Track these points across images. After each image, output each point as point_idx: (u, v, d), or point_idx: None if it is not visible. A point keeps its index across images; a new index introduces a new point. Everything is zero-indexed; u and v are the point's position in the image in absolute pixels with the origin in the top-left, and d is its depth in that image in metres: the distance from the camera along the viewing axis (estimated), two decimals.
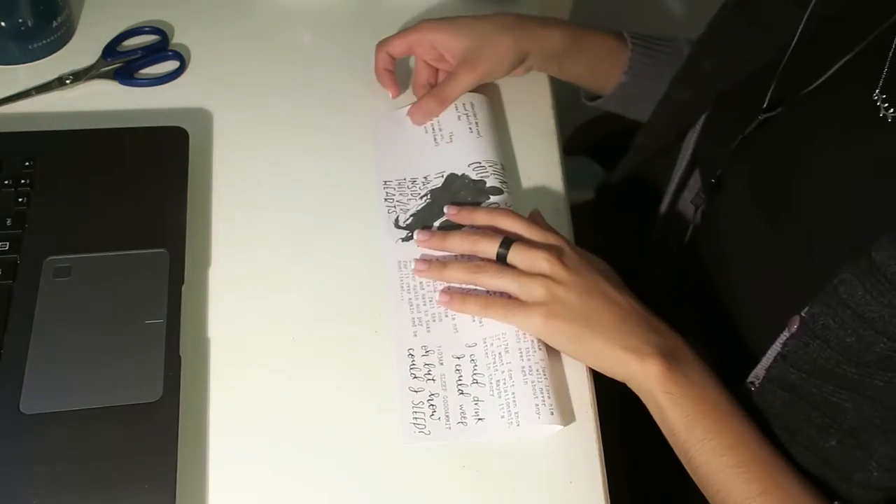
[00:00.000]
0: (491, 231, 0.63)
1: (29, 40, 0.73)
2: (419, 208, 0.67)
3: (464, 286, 0.62)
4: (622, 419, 0.63)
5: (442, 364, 0.60)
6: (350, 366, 0.60)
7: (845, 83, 0.58)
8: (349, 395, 0.58)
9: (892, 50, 0.53)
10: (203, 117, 0.72)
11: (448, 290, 0.62)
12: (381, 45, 0.73)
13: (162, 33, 0.77)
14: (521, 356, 0.59)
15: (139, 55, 0.75)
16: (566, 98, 0.80)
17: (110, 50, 0.75)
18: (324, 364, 0.60)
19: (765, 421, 0.56)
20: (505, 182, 0.69)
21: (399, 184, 0.69)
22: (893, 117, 0.52)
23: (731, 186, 0.65)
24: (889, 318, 0.47)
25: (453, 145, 0.70)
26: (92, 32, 0.76)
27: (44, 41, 0.73)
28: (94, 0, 0.79)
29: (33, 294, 0.58)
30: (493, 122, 0.73)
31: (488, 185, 0.68)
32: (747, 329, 0.60)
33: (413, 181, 0.69)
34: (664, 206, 0.76)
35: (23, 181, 0.63)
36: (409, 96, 0.75)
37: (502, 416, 0.57)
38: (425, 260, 0.63)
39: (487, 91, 0.75)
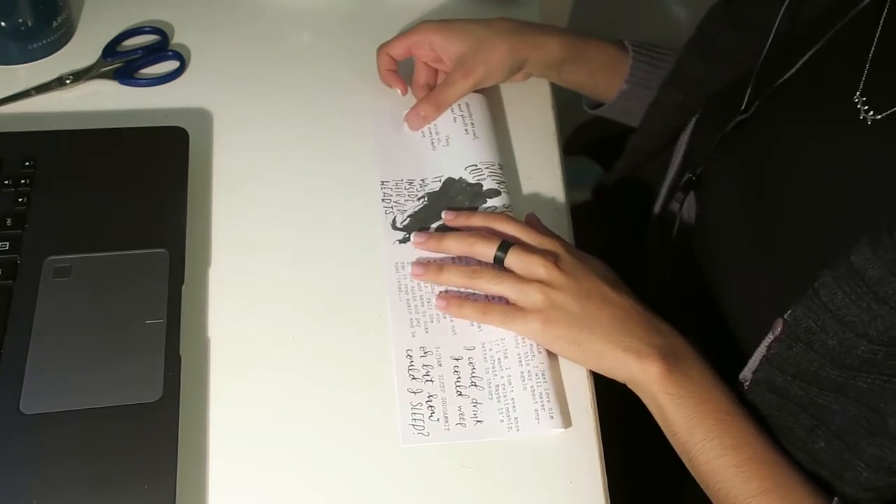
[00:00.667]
0: (488, 234, 0.63)
1: (29, 40, 0.73)
2: (416, 209, 0.68)
3: (461, 290, 0.62)
4: (622, 419, 0.63)
5: (440, 365, 0.60)
6: (350, 366, 0.60)
7: (824, 83, 0.58)
8: (349, 395, 0.58)
9: (872, 53, 0.53)
10: (203, 117, 0.72)
11: (445, 295, 0.62)
12: (382, 47, 0.73)
13: (162, 33, 0.77)
14: (521, 362, 0.59)
15: (139, 55, 0.75)
16: (566, 98, 0.80)
17: (110, 50, 0.75)
18: (323, 364, 0.60)
19: (759, 420, 0.56)
20: (503, 183, 0.69)
21: (396, 184, 0.69)
22: (873, 119, 0.52)
23: (717, 186, 0.66)
24: (868, 321, 0.48)
25: (450, 149, 0.70)
26: (92, 32, 0.76)
27: (44, 41, 0.73)
28: (94, 0, 0.79)
29: (33, 294, 0.58)
30: (490, 122, 0.73)
31: (485, 188, 0.68)
32: (735, 330, 0.60)
33: (410, 182, 0.69)
34: (657, 208, 0.76)
35: (23, 181, 0.63)
36: (411, 97, 0.75)
37: (501, 420, 0.57)
38: (422, 263, 0.63)
39: (487, 91, 0.75)
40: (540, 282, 0.59)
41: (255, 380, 0.58)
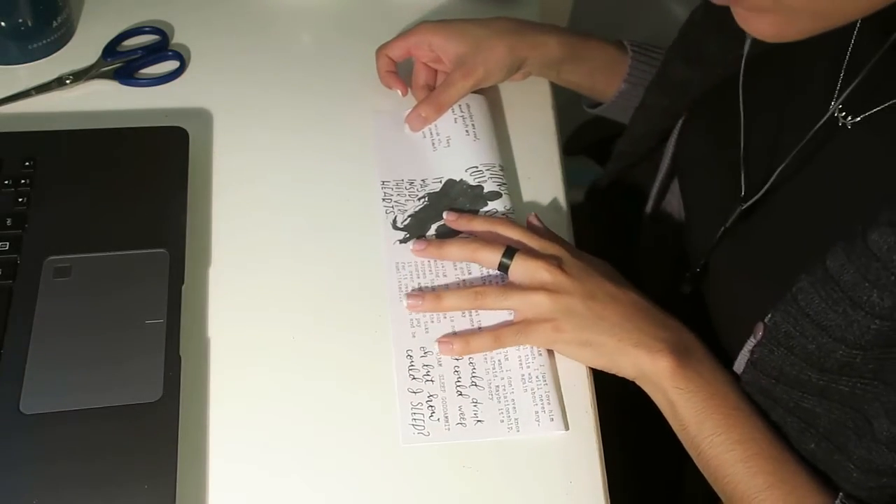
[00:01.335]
0: (490, 239, 0.63)
1: (29, 40, 0.73)
2: (417, 209, 0.68)
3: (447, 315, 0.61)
4: (622, 419, 0.63)
5: (441, 365, 0.60)
6: (350, 366, 0.60)
7: (802, 90, 0.58)
8: (349, 395, 0.58)
9: (847, 58, 0.53)
10: (203, 117, 0.72)
11: (446, 339, 0.60)
12: (381, 49, 0.73)
13: (162, 33, 0.77)
14: (521, 364, 0.60)
15: (139, 55, 0.75)
16: (566, 98, 0.80)
17: (110, 50, 0.75)
18: (324, 364, 0.60)
19: None
20: (504, 184, 0.69)
21: (397, 184, 0.69)
22: (852, 123, 0.52)
23: (699, 188, 0.66)
24: (845, 326, 0.48)
25: (451, 150, 0.70)
26: (92, 32, 0.76)
27: (44, 41, 0.73)
28: (94, 0, 0.79)
29: (33, 294, 0.58)
30: (491, 123, 0.73)
31: (486, 190, 0.68)
32: (721, 331, 0.60)
33: (411, 182, 0.69)
34: (648, 209, 0.77)
35: (23, 181, 0.63)
36: (411, 97, 0.75)
37: (501, 421, 0.57)
38: (417, 294, 0.62)
39: (487, 91, 0.75)
40: (545, 288, 0.59)
41: (256, 380, 0.58)
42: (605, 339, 0.57)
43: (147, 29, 0.77)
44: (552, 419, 0.58)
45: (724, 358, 0.59)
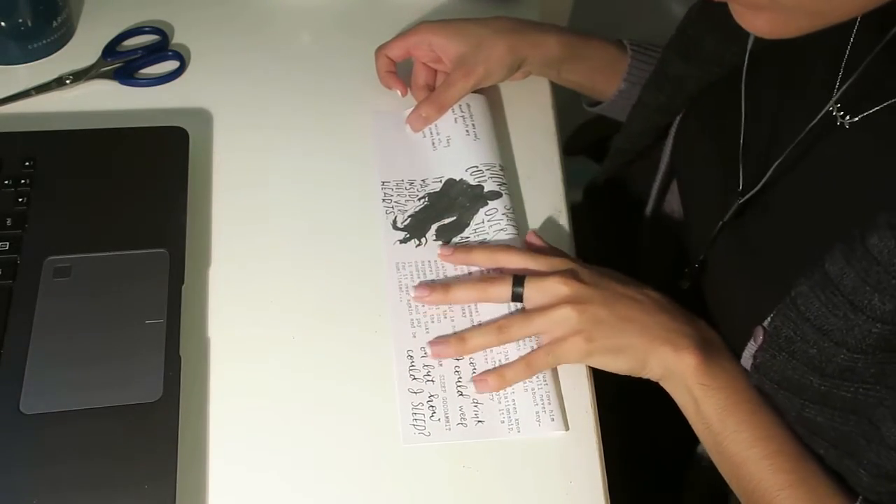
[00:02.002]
0: (496, 272, 0.62)
1: (29, 40, 0.73)
2: (417, 209, 0.68)
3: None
4: (622, 420, 0.63)
5: (441, 365, 0.59)
6: (350, 366, 0.60)
7: (801, 94, 0.58)
8: (349, 395, 0.58)
9: (845, 59, 0.53)
10: (203, 117, 0.72)
11: (481, 377, 0.58)
12: (381, 49, 0.73)
13: (162, 33, 0.77)
14: None
15: (139, 55, 0.75)
16: (566, 98, 0.80)
17: (110, 50, 0.75)
18: (324, 364, 0.60)
19: None
20: (504, 184, 0.69)
21: (397, 185, 0.69)
22: (850, 122, 0.52)
23: (697, 187, 0.66)
24: (846, 330, 0.47)
25: (451, 149, 0.70)
26: (92, 32, 0.76)
27: (44, 41, 0.73)
28: (94, 0, 0.79)
29: (33, 294, 0.58)
30: (491, 123, 0.73)
31: (486, 189, 0.68)
32: (725, 337, 0.60)
33: (411, 182, 0.69)
34: (649, 209, 0.77)
35: (23, 181, 0.63)
36: (411, 97, 0.75)
37: (502, 421, 0.57)
38: (442, 340, 0.60)
39: (487, 91, 0.75)
40: (567, 301, 0.58)
41: (256, 380, 0.58)
42: (635, 341, 0.57)
43: (147, 29, 0.77)
44: (552, 419, 0.58)
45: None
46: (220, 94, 0.74)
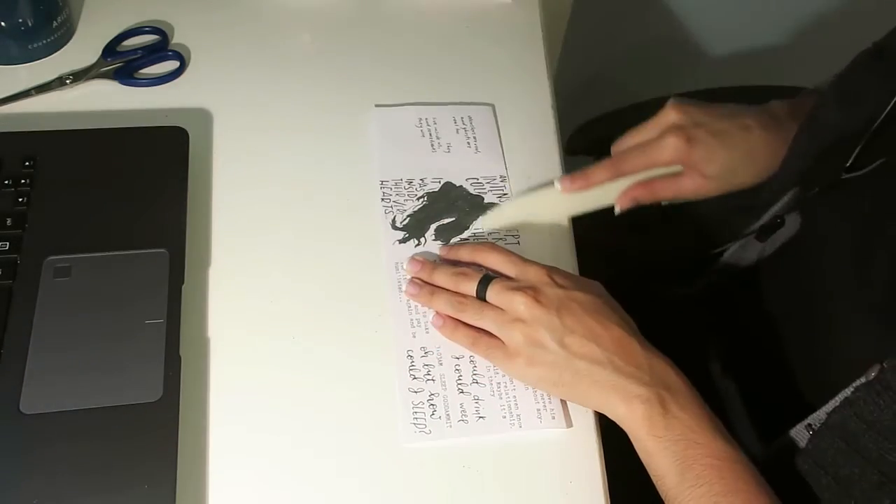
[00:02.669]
0: (475, 267, 0.62)
1: (29, 40, 0.73)
2: (416, 209, 0.68)
3: None
4: None
5: (441, 364, 0.60)
6: (350, 365, 0.60)
7: None
8: (349, 395, 0.58)
9: None
10: (203, 117, 0.72)
11: (444, 315, 0.61)
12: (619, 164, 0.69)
13: (162, 33, 0.77)
14: None
15: (139, 55, 0.75)
16: (566, 98, 0.80)
17: (110, 50, 0.75)
18: (324, 364, 0.60)
19: (818, 468, 0.53)
20: (505, 195, 0.69)
21: (396, 184, 0.69)
22: None
23: (820, 229, 0.65)
24: None
25: (451, 156, 0.71)
26: (92, 32, 0.76)
27: (44, 41, 0.73)
28: (94, 0, 0.79)
29: (33, 294, 0.58)
30: (495, 134, 0.73)
31: (486, 200, 0.68)
32: (815, 371, 0.57)
33: (410, 182, 0.69)
34: (730, 252, 0.73)
35: (23, 181, 0.63)
36: (408, 94, 0.75)
37: (504, 417, 0.58)
38: (416, 283, 0.63)
39: (486, 92, 0.75)
40: (520, 319, 0.57)
41: (256, 380, 0.58)
42: (579, 381, 0.55)
43: (147, 29, 0.77)
44: (553, 417, 0.58)
45: (802, 397, 0.56)
46: (220, 94, 0.74)
